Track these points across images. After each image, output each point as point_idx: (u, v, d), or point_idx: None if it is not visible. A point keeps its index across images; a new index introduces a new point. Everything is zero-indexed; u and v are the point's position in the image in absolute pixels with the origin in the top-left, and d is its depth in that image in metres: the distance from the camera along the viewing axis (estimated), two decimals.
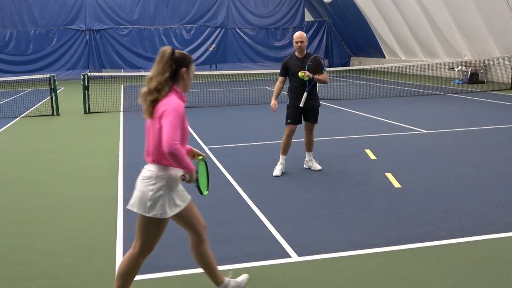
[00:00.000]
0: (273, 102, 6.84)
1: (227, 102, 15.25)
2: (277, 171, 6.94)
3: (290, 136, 6.93)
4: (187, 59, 3.24)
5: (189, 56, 3.28)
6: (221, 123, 11.71)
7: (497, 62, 19.91)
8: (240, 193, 6.15)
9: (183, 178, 3.23)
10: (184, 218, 3.36)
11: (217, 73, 23.30)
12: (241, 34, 29.17)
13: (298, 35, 6.76)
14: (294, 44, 6.80)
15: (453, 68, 21.52)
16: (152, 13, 27.69)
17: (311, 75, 6.61)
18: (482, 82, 19.61)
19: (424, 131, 9.89)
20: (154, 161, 3.20)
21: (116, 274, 3.40)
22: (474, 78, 19.67)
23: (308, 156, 7.20)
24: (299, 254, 4.33)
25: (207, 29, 28.53)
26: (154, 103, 3.13)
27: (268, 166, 7.23)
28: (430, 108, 13.22)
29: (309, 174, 6.97)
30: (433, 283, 3.80)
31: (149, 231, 3.24)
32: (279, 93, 6.95)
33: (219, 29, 28.72)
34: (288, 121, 6.91)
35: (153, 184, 3.16)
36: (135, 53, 27.55)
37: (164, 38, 27.90)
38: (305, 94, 6.74)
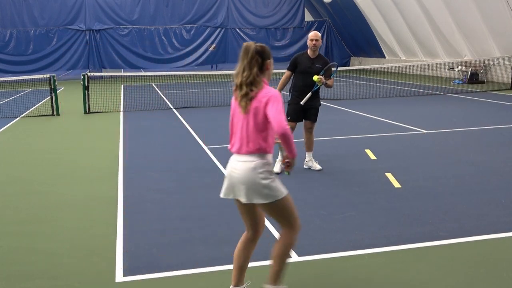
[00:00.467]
0: None
1: (227, 102, 15.22)
2: (277, 168, 6.95)
3: None
4: (268, 51, 3.37)
5: (268, 48, 3.43)
6: (221, 123, 11.69)
7: (497, 62, 19.91)
8: None
9: (287, 164, 3.38)
10: (255, 210, 3.47)
11: (217, 73, 23.26)
12: (241, 34, 29.16)
13: (314, 33, 6.91)
14: (308, 42, 6.87)
15: (453, 68, 21.52)
16: (152, 13, 27.69)
17: (325, 81, 6.70)
18: (482, 82, 19.61)
19: (424, 131, 9.89)
20: (257, 150, 3.28)
21: (273, 259, 3.46)
22: (474, 78, 19.67)
23: (308, 156, 7.21)
24: (299, 254, 4.33)
25: (207, 29, 28.53)
26: (246, 97, 3.25)
27: None
28: (430, 108, 13.22)
29: (309, 174, 6.97)
30: (433, 283, 3.80)
31: (284, 211, 3.37)
32: (283, 88, 6.99)
33: (219, 29, 28.72)
34: (289, 118, 6.95)
35: (261, 173, 3.27)
36: (135, 53, 27.55)
37: (164, 38, 27.91)
38: (309, 94, 6.77)
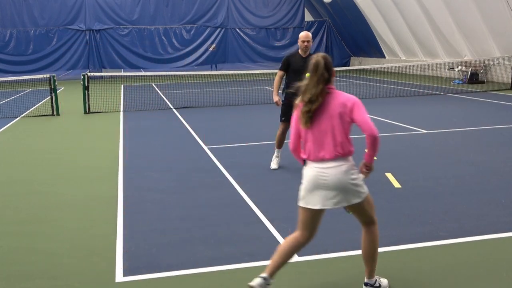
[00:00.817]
0: (276, 98, 7.03)
1: (227, 102, 15.25)
2: (274, 164, 7.13)
3: (284, 132, 7.15)
4: (331, 60, 3.52)
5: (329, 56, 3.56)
6: (221, 123, 11.70)
7: (497, 62, 19.91)
8: (240, 193, 6.14)
9: (367, 169, 3.53)
10: (322, 215, 3.56)
11: (217, 73, 23.29)
12: (241, 34, 29.15)
13: (305, 34, 6.91)
14: (300, 43, 6.89)
15: (453, 68, 21.52)
16: (152, 13, 27.68)
17: None
18: (482, 82, 19.61)
19: (424, 131, 9.89)
20: (346, 153, 3.42)
21: (366, 259, 3.59)
22: (474, 78, 19.67)
23: None
24: (299, 254, 4.32)
25: (207, 29, 28.52)
26: (308, 114, 3.40)
27: (268, 166, 7.23)
28: (430, 108, 13.22)
29: None
30: (433, 283, 3.80)
31: (370, 206, 3.56)
32: (278, 88, 7.08)
33: (219, 29, 28.72)
34: (283, 118, 7.02)
35: (353, 174, 3.43)
36: (135, 53, 27.54)
37: (164, 38, 27.90)
38: None
